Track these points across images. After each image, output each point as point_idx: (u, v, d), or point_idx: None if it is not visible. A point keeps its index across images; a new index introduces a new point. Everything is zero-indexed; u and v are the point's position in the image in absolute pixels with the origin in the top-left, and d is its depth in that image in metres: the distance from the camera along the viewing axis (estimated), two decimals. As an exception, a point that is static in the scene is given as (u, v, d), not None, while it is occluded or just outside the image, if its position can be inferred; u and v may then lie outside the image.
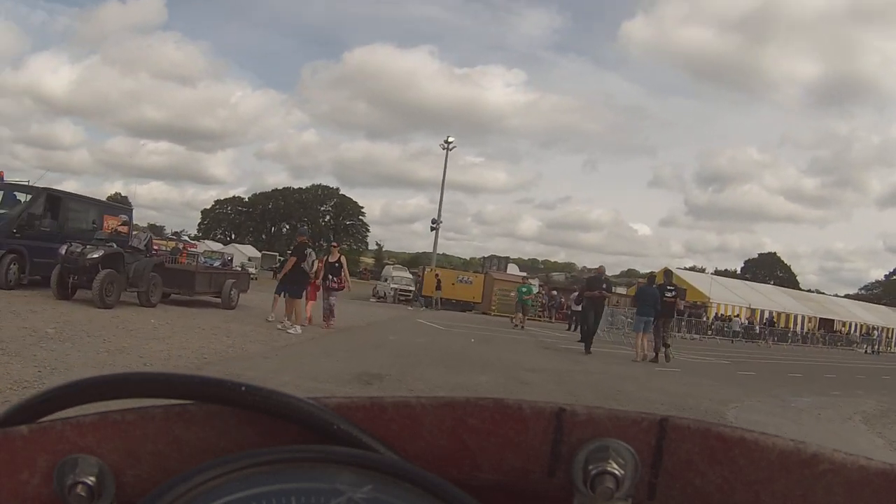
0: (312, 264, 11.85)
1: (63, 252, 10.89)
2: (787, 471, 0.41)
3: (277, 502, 0.40)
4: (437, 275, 34.87)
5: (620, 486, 0.42)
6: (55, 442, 0.44)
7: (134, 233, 14.45)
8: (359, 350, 9.60)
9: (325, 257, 12.97)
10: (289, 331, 10.82)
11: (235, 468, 0.41)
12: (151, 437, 0.45)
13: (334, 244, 15.30)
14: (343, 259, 12.91)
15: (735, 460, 0.42)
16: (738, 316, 40.76)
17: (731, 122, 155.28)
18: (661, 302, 13.02)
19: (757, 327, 38.37)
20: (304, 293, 12.15)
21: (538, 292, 37.14)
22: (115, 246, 11.71)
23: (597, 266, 15.38)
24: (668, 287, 13.76)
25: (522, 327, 21.09)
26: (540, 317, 32.98)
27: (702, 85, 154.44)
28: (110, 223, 14.18)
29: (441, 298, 32.02)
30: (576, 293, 22.19)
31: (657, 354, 13.23)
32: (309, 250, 11.98)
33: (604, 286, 14.07)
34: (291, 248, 12.63)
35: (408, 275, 39.85)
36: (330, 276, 12.51)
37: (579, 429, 0.44)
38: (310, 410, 0.44)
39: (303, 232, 13.62)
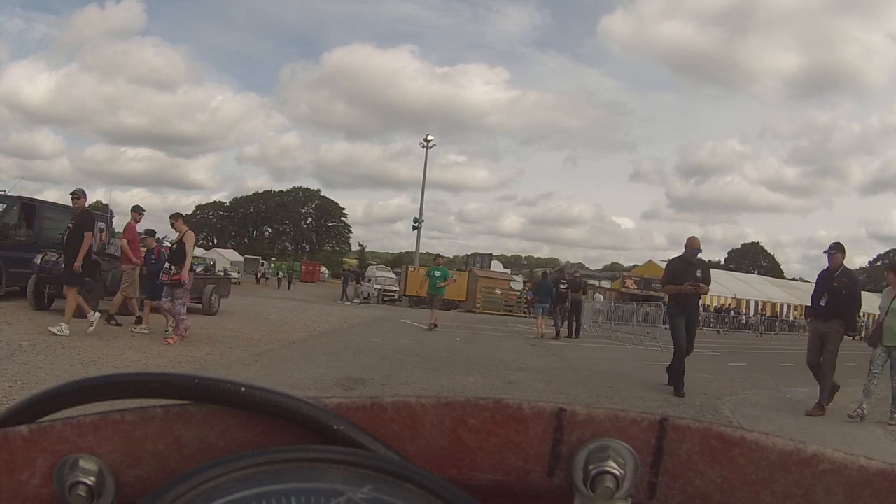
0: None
1: (38, 262, 10.71)
2: (787, 471, 0.42)
3: (277, 502, 0.40)
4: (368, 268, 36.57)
5: (620, 486, 0.42)
6: (55, 442, 0.44)
7: (111, 240, 14.23)
8: (342, 354, 9.50)
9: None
10: (52, 328, 8.24)
11: (235, 468, 0.41)
12: (151, 437, 0.45)
13: (172, 216, 9.35)
14: (188, 237, 8.96)
15: (735, 460, 0.43)
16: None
17: (711, 115, 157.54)
18: (556, 293, 16.56)
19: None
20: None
21: (522, 289, 37.22)
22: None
23: (687, 240, 8.54)
24: (562, 281, 17.31)
25: (435, 325, 15.47)
26: (524, 313, 33.07)
27: (682, 79, 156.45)
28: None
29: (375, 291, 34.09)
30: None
31: (558, 333, 16.54)
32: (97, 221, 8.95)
33: (698, 273, 8.32)
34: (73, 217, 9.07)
35: (391, 275, 39.80)
36: (168, 265, 8.94)
37: (579, 429, 0.44)
38: (309, 411, 0.44)
39: (80, 194, 8.96)
